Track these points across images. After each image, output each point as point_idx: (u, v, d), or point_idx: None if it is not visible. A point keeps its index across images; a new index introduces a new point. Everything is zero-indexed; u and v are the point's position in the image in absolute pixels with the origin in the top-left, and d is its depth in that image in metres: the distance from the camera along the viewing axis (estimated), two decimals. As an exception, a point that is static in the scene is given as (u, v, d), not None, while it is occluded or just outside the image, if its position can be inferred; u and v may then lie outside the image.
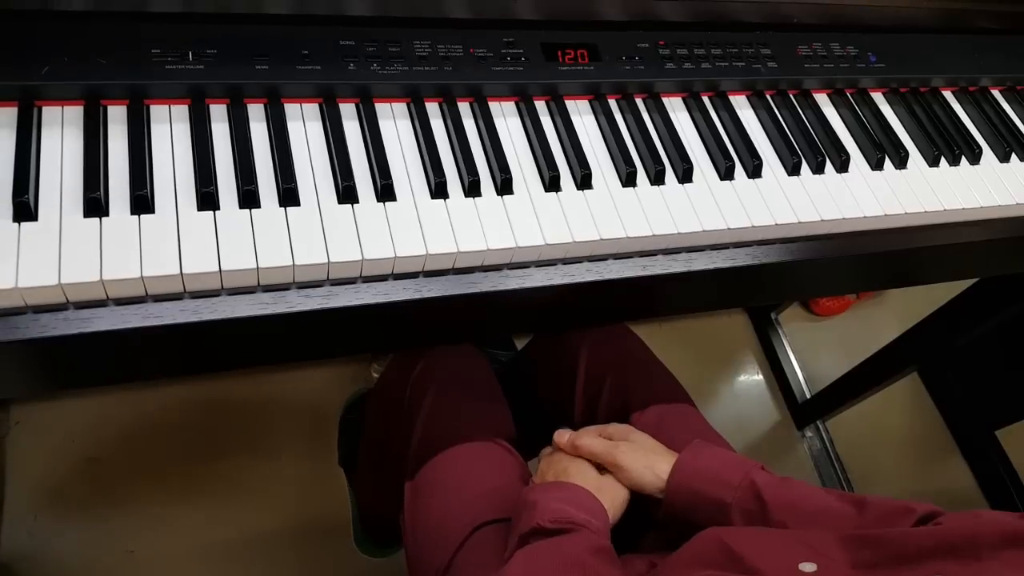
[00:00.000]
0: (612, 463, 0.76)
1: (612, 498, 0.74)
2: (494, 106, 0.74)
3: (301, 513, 1.35)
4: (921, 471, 1.77)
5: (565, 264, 0.69)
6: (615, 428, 0.81)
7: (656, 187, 0.73)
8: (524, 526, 0.67)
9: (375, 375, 1.46)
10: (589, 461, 0.78)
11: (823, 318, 1.91)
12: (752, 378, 1.79)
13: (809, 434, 1.72)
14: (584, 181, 0.71)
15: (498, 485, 0.81)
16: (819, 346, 1.86)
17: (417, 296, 0.63)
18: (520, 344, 1.44)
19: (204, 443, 1.38)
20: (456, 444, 0.84)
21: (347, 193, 0.63)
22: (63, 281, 0.53)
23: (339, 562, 1.33)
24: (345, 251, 0.60)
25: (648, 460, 0.75)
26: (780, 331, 1.82)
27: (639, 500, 0.76)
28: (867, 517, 0.65)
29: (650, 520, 0.78)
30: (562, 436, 0.81)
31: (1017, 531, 0.51)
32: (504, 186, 0.68)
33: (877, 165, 0.82)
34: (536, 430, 0.92)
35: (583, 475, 0.76)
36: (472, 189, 0.67)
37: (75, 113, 0.61)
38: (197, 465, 1.35)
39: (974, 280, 1.29)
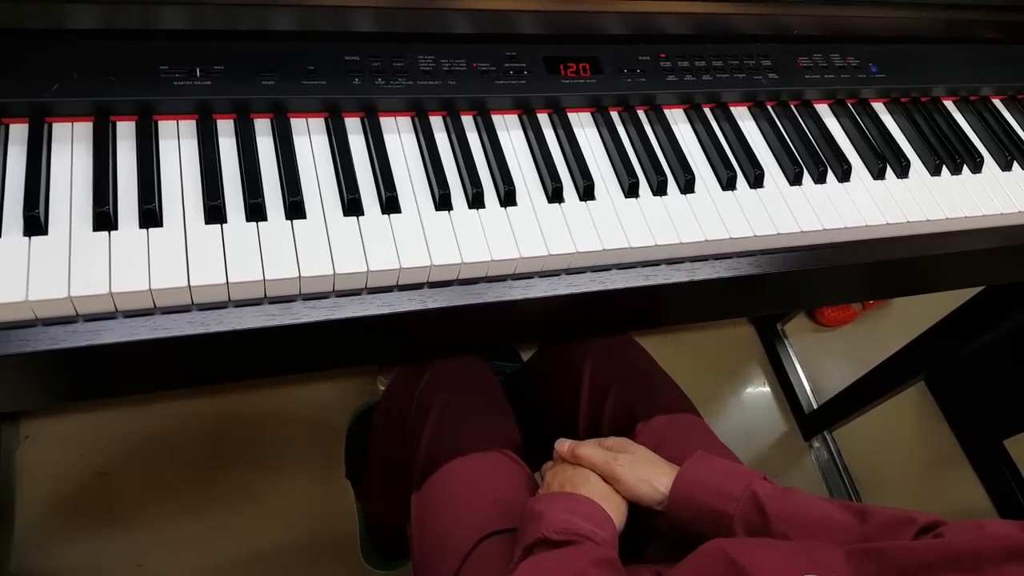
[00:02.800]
0: (610, 475, 0.76)
1: (615, 508, 0.74)
2: (497, 119, 0.74)
3: (308, 526, 1.35)
4: (929, 481, 1.76)
5: (569, 274, 0.69)
6: (614, 441, 0.81)
7: (658, 197, 0.74)
8: (529, 537, 0.67)
9: (381, 387, 1.46)
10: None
11: (829, 329, 1.91)
12: (759, 389, 1.79)
13: (816, 445, 1.71)
14: (587, 192, 0.72)
15: (504, 495, 0.81)
16: (825, 357, 1.86)
17: (422, 307, 0.64)
18: (525, 356, 1.44)
19: (212, 457, 1.38)
20: (462, 454, 0.84)
21: (352, 206, 0.64)
22: (72, 294, 0.54)
23: (346, 575, 1.33)
24: (351, 262, 0.61)
25: (646, 473, 0.75)
26: (786, 342, 1.82)
27: (643, 510, 0.76)
28: (869, 527, 0.64)
29: (654, 529, 0.78)
30: (562, 445, 0.81)
31: (1020, 545, 0.51)
32: (508, 197, 0.69)
33: (879, 174, 0.83)
34: (541, 442, 0.92)
35: (589, 485, 0.75)
36: (476, 201, 0.68)
37: (85, 129, 0.62)
38: (205, 479, 1.36)
39: (980, 288, 1.28)
